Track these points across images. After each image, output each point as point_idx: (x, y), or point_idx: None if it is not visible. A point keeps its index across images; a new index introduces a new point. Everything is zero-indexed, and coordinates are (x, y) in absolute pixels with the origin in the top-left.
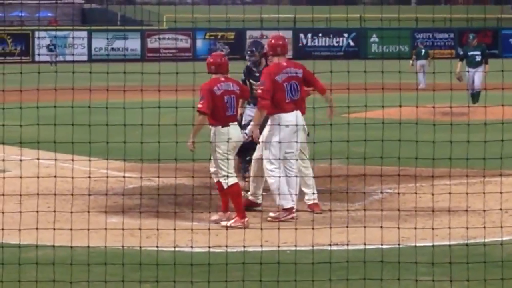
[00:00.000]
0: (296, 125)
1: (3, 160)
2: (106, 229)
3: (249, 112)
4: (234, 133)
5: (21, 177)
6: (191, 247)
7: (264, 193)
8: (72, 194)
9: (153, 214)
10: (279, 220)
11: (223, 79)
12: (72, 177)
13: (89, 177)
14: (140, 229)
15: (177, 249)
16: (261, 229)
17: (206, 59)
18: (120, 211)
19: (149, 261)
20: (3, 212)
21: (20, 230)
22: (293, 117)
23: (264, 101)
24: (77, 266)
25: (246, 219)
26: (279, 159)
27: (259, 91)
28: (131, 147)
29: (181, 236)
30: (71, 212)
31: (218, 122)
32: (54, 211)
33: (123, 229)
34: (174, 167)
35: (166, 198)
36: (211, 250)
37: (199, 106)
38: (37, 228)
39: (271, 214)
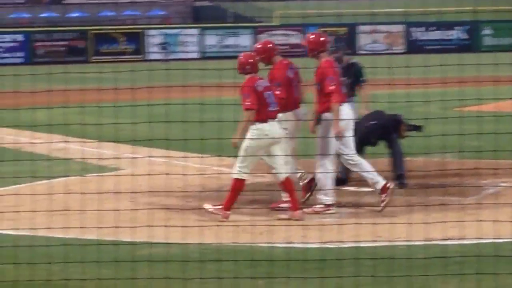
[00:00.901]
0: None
1: (117, 158)
2: (218, 225)
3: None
4: (272, 129)
5: (133, 175)
6: (305, 242)
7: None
8: (184, 192)
9: (266, 210)
10: (320, 213)
11: (258, 77)
12: (184, 174)
13: (202, 174)
14: (253, 225)
15: (290, 245)
16: (374, 224)
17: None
18: (232, 207)
19: (262, 257)
20: (117, 210)
21: (134, 227)
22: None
23: (339, 95)
24: (191, 263)
25: (228, 212)
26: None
27: (333, 87)
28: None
29: (294, 232)
30: (183, 210)
31: (259, 118)
32: (167, 209)
33: (236, 226)
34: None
35: (278, 194)
36: (324, 245)
37: (247, 103)
38: (150, 226)
39: (317, 207)
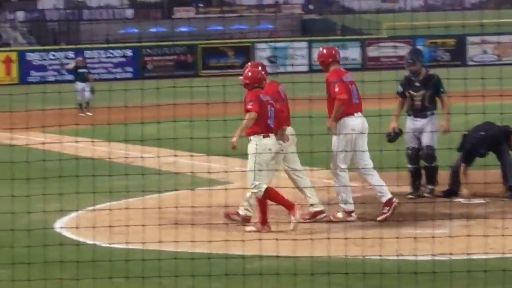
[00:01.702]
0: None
1: (226, 171)
2: (329, 238)
3: (410, 124)
4: (273, 144)
5: (243, 189)
6: (415, 255)
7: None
8: (293, 204)
9: (375, 222)
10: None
11: (263, 92)
12: (292, 187)
13: (311, 187)
14: (363, 238)
15: (400, 257)
16: (485, 236)
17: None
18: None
19: (372, 270)
20: (226, 224)
21: (244, 241)
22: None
23: (342, 95)
24: (301, 276)
25: (266, 226)
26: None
27: (336, 89)
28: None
29: (404, 244)
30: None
31: (259, 131)
32: (276, 222)
33: (346, 239)
34: (395, 175)
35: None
36: (436, 258)
37: (249, 106)
38: (260, 239)
39: (339, 214)
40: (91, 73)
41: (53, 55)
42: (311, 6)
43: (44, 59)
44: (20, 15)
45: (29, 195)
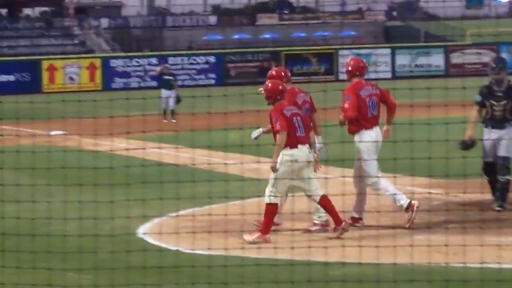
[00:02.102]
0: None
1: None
2: (412, 245)
3: (486, 136)
4: (302, 154)
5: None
6: (499, 263)
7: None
8: (377, 212)
9: (459, 230)
10: (412, 222)
11: (286, 103)
12: (376, 194)
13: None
14: (446, 245)
15: (484, 265)
16: None
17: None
18: (425, 227)
19: (456, 277)
20: (309, 230)
21: (326, 247)
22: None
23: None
24: (384, 283)
25: (268, 236)
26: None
27: (346, 105)
28: (436, 163)
29: (488, 252)
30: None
31: (287, 144)
32: (359, 228)
33: (429, 246)
34: (479, 182)
35: (472, 214)
36: None
37: (278, 127)
38: (343, 246)
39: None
40: (177, 80)
41: (137, 62)
42: (394, 13)
43: (128, 66)
44: (104, 22)
45: (113, 201)
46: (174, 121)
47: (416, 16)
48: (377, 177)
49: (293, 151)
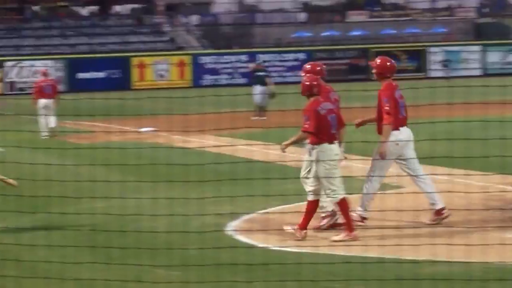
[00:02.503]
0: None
1: (399, 176)
2: (502, 244)
3: None
4: (337, 150)
5: (416, 193)
6: None
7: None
8: (467, 209)
9: None
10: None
11: (322, 99)
12: (467, 192)
13: (485, 192)
14: None
15: None
16: None
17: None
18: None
19: None
20: (398, 228)
21: (416, 245)
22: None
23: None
24: (473, 282)
25: (354, 233)
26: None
27: (386, 109)
28: None
29: None
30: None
31: (324, 140)
32: (449, 227)
33: None
34: None
35: None
36: None
37: (305, 126)
38: (433, 244)
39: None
40: (270, 76)
41: (226, 59)
42: (485, 9)
43: (217, 63)
44: (194, 19)
45: (202, 198)
46: (264, 118)
47: (507, 13)
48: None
49: (330, 146)
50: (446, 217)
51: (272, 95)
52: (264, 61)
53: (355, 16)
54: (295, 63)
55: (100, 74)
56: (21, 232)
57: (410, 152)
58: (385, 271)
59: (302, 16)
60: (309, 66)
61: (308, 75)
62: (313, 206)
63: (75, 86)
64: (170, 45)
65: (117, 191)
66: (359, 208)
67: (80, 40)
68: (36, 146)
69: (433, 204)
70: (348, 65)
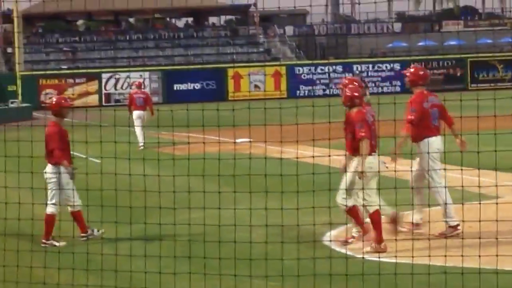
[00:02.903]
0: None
1: (497, 186)
2: None
3: None
4: (376, 162)
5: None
6: None
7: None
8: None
9: None
10: (446, 237)
11: (365, 109)
12: None
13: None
14: None
15: None
16: None
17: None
18: None
19: None
20: (496, 238)
21: None
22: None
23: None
24: None
25: (383, 244)
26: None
27: (409, 117)
28: None
29: None
30: None
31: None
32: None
33: None
34: None
35: None
36: None
37: (362, 134)
38: None
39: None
40: (368, 87)
41: (321, 69)
42: None
43: (313, 73)
44: (289, 30)
45: (299, 208)
46: None
47: None
48: (442, 186)
49: (372, 158)
50: (457, 234)
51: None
52: (361, 71)
53: (450, 26)
54: (391, 73)
55: (197, 85)
56: (119, 243)
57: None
58: (483, 282)
59: (397, 26)
60: (346, 80)
61: (350, 86)
62: (377, 216)
63: (171, 97)
64: (265, 56)
65: (213, 202)
66: (447, 219)
67: (176, 52)
68: (132, 157)
69: (449, 217)
70: (444, 75)
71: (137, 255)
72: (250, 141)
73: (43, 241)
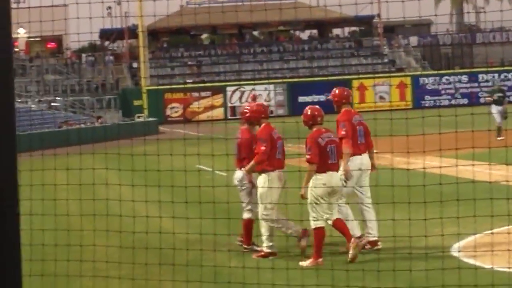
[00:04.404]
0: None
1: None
2: None
3: None
4: (331, 180)
5: None
6: None
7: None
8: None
9: None
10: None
11: (323, 129)
12: None
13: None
14: None
15: None
16: None
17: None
18: None
19: None
20: None
21: None
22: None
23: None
24: None
25: (320, 260)
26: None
27: (343, 133)
28: None
29: None
30: None
31: (318, 170)
32: None
33: None
34: None
35: None
36: None
37: (308, 157)
38: None
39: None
40: (507, 97)
41: (446, 79)
42: None
43: (438, 84)
44: (413, 40)
45: (426, 219)
46: (501, 138)
47: None
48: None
49: (322, 176)
50: (378, 249)
51: (505, 116)
52: (487, 81)
53: None
54: None
55: (321, 97)
56: (245, 255)
57: (367, 179)
58: None
59: None
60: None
61: (311, 107)
62: (322, 232)
63: (296, 109)
64: (390, 66)
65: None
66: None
67: (300, 64)
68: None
69: (369, 234)
70: None
71: (264, 267)
72: (376, 152)
73: (245, 246)
